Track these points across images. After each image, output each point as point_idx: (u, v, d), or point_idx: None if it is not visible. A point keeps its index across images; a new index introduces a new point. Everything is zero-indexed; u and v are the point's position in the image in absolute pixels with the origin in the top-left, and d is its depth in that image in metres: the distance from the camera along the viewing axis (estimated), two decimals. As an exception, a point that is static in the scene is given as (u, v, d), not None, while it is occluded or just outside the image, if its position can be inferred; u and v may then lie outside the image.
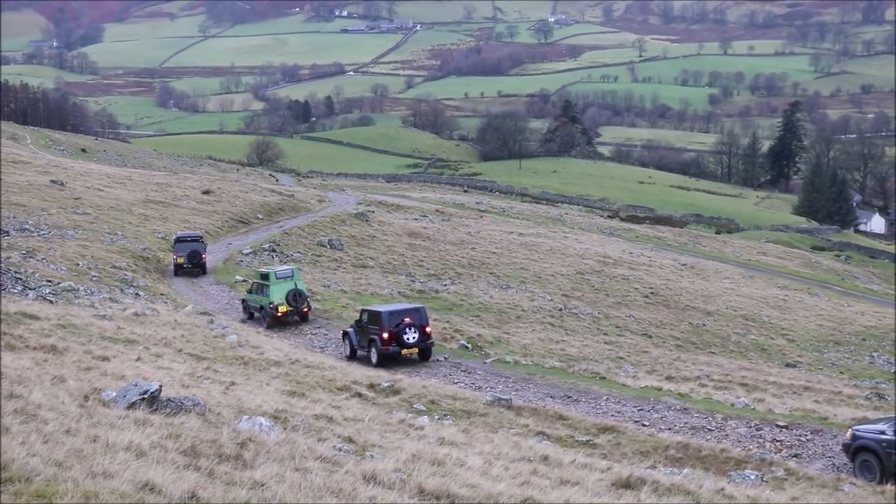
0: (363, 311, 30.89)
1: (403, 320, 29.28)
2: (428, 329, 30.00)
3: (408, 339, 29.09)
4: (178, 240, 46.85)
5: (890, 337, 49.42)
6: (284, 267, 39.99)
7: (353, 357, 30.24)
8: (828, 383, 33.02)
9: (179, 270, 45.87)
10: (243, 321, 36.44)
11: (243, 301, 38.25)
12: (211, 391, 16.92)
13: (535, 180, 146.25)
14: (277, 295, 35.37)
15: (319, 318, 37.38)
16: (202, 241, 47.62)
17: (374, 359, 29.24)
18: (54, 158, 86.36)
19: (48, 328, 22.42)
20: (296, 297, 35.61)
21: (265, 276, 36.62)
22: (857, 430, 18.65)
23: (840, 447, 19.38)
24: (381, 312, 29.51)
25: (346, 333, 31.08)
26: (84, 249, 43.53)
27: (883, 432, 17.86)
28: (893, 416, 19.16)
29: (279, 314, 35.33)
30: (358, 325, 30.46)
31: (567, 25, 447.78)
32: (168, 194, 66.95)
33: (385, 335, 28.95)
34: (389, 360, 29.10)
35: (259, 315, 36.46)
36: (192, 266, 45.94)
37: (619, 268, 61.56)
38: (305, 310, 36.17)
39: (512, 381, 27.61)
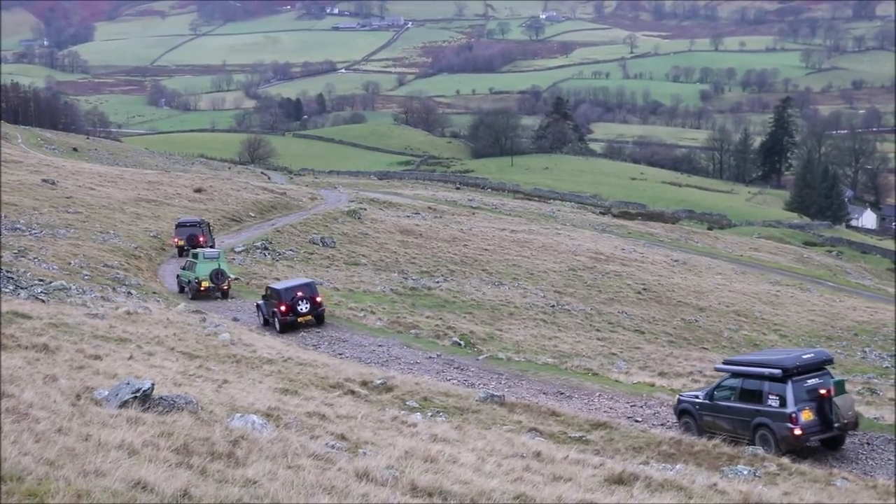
0: (267, 288, 36.40)
1: (297, 294, 34.28)
2: (318, 299, 35.12)
3: (301, 309, 34.34)
4: (179, 224, 50.95)
5: (882, 332, 49.44)
6: (212, 249, 44.68)
7: (266, 324, 35.12)
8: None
9: (182, 252, 48.93)
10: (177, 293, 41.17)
11: (178, 276, 42.98)
12: (203, 389, 16.87)
13: (527, 177, 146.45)
14: (203, 272, 40.44)
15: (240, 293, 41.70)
16: (200, 226, 50.70)
17: (277, 326, 34.30)
18: (45, 157, 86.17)
19: (40, 327, 22.31)
20: (218, 275, 40.50)
21: (195, 255, 41.59)
22: (682, 397, 22.25)
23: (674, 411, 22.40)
24: (279, 289, 34.69)
25: (258, 306, 36.23)
26: (76, 248, 43.43)
27: (697, 397, 21.40)
28: (706, 386, 22.66)
29: (202, 288, 40.32)
30: (265, 299, 35.65)
31: (558, 22, 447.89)
32: (160, 193, 66.84)
33: (283, 307, 34.14)
34: (290, 328, 34.06)
35: (188, 288, 41.13)
36: (192, 248, 48.17)
37: (612, 264, 61.62)
38: (225, 287, 41.08)
39: (504, 378, 27.63)
